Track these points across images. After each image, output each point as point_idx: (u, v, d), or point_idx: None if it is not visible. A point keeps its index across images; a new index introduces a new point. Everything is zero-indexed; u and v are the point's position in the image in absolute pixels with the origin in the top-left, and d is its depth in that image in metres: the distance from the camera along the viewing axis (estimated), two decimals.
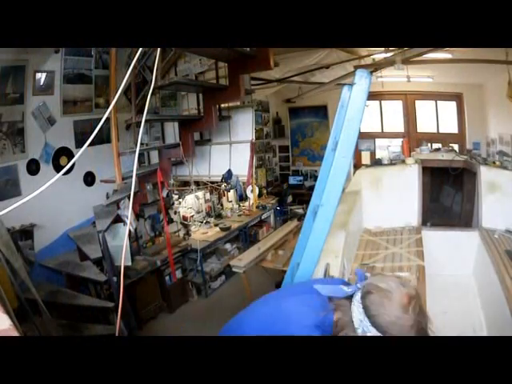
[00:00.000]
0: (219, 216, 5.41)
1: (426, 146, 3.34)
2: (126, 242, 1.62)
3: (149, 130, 4.29)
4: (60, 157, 3.63)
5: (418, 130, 6.17)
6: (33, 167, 3.39)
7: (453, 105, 5.71)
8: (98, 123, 1.44)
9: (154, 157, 4.34)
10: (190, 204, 5.03)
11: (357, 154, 6.39)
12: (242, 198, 5.42)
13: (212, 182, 4.24)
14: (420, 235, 2.63)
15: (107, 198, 3.88)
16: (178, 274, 4.15)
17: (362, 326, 0.84)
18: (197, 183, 4.38)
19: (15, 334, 0.69)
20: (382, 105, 6.35)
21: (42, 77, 3.29)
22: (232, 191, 5.42)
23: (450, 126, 5.85)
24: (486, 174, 2.67)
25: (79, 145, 3.77)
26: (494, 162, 2.76)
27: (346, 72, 4.42)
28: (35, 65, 3.16)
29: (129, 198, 2.09)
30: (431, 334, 0.84)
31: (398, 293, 0.82)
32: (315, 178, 6.76)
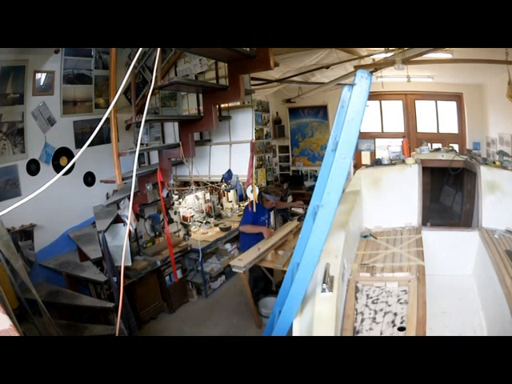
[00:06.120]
0: (219, 216, 5.42)
1: (425, 145, 3.33)
2: (126, 242, 1.61)
3: (149, 131, 4.28)
4: (60, 157, 3.63)
5: (418, 130, 6.17)
6: (33, 167, 3.39)
7: (453, 105, 5.71)
8: (98, 123, 1.44)
9: (154, 157, 4.34)
10: (190, 204, 5.03)
11: (357, 154, 6.39)
12: (242, 198, 5.42)
13: (212, 182, 4.24)
14: (420, 235, 2.62)
15: (107, 198, 3.89)
16: (178, 274, 4.15)
17: None
18: (197, 183, 4.38)
19: (15, 334, 0.69)
20: (382, 105, 6.35)
21: (41, 77, 3.29)
22: (232, 191, 5.42)
23: (450, 125, 5.85)
24: (486, 173, 2.66)
25: (79, 145, 3.77)
26: (494, 162, 2.76)
27: (346, 72, 4.41)
28: (35, 65, 3.16)
29: (129, 199, 2.09)
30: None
31: None
32: (315, 178, 6.76)
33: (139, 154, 1.66)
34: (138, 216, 4.00)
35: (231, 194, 5.73)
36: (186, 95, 4.02)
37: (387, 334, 1.46)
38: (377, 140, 6.56)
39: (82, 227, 3.79)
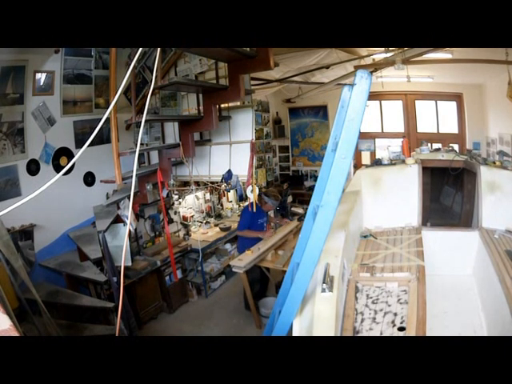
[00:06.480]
0: (219, 216, 5.42)
1: (425, 145, 3.33)
2: (126, 242, 1.61)
3: (149, 130, 4.28)
4: (60, 157, 3.63)
5: (418, 130, 6.18)
6: (33, 167, 3.39)
7: (453, 105, 5.71)
8: (98, 123, 1.44)
9: (154, 157, 4.34)
10: (190, 204, 5.03)
11: (357, 154, 6.40)
12: (242, 198, 5.42)
13: (212, 182, 4.24)
14: (420, 235, 2.62)
15: (107, 198, 3.89)
16: (178, 274, 4.15)
17: None
18: (197, 183, 4.38)
19: (15, 334, 0.69)
20: (382, 105, 6.36)
21: (41, 77, 3.29)
22: (232, 191, 5.42)
23: (450, 126, 5.85)
24: (486, 173, 2.66)
25: (79, 145, 3.76)
26: (494, 162, 2.75)
27: (346, 72, 4.42)
28: (35, 65, 3.16)
29: (129, 198, 2.09)
30: None
31: None
32: (315, 178, 6.77)
33: (139, 154, 1.66)
34: (138, 216, 4.00)
35: (231, 194, 5.73)
36: (186, 95, 4.02)
37: (387, 334, 1.46)
38: (377, 140, 6.56)
39: (82, 227, 3.78)
